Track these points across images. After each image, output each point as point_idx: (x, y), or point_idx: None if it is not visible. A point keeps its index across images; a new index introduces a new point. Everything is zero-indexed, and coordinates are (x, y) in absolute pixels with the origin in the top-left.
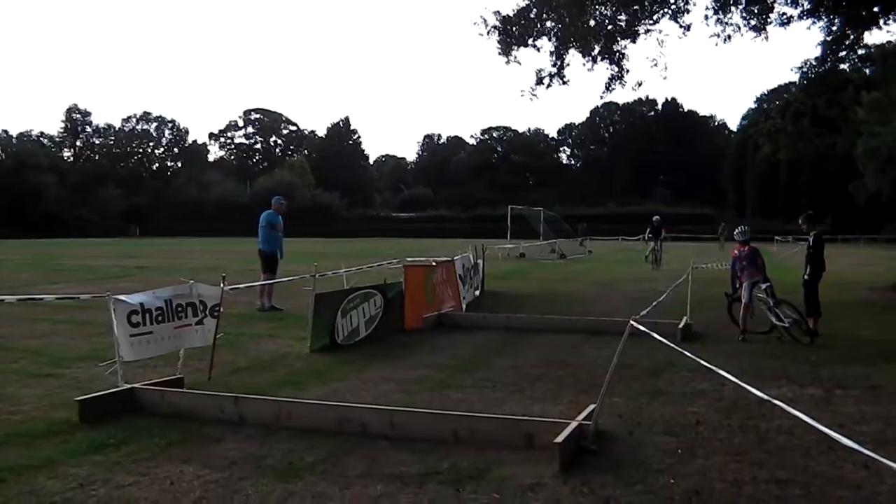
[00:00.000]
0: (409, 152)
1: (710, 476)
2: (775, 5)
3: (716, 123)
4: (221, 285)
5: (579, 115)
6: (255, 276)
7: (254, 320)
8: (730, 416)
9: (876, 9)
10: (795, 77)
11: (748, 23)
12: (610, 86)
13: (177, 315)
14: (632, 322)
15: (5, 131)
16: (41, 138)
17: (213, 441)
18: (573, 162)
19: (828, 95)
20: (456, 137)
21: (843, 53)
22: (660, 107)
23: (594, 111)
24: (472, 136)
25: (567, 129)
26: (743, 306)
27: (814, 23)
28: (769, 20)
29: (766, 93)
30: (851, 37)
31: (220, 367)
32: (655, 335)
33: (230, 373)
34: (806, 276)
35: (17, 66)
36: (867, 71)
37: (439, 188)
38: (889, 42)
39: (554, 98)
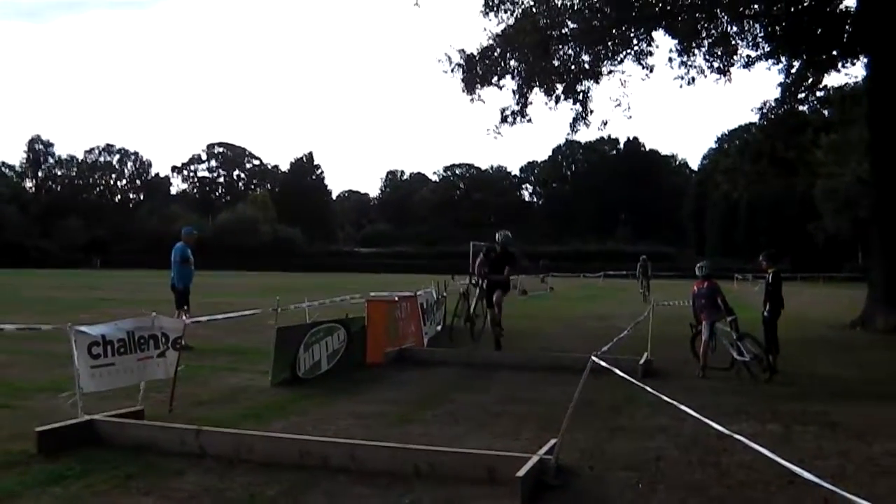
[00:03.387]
0: (372, 188)
1: None
2: (738, 48)
3: (677, 162)
4: (183, 318)
5: (542, 153)
6: (216, 308)
7: (214, 353)
8: (690, 451)
9: (834, 52)
10: (755, 118)
11: (711, 65)
12: (574, 126)
13: (139, 347)
14: (593, 358)
15: None
16: (2, 168)
17: (173, 474)
18: (535, 199)
19: (787, 136)
20: (419, 174)
21: (803, 95)
22: (622, 146)
23: (556, 149)
24: (434, 173)
25: (529, 167)
26: (703, 343)
27: (774, 64)
28: (732, 62)
29: (726, 133)
30: (811, 79)
31: (181, 399)
32: (617, 371)
33: (191, 405)
34: (766, 313)
35: None
36: (826, 113)
37: (402, 224)
38: (847, 85)
39: (517, 136)
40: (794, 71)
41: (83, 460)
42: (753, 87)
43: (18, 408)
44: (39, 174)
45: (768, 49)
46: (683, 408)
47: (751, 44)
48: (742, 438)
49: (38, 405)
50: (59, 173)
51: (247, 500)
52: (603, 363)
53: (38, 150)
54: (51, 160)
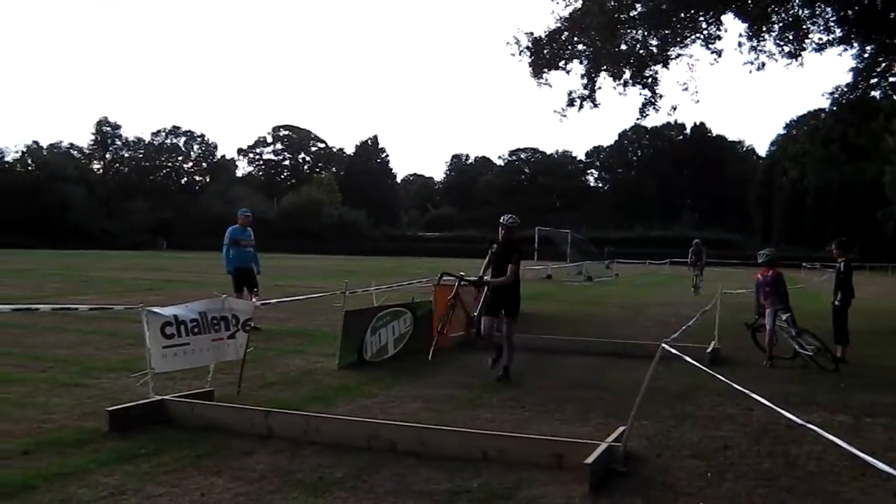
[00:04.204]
0: (437, 172)
1: (738, 500)
2: (810, 32)
3: (744, 149)
4: (253, 300)
5: (607, 138)
6: (282, 291)
7: (281, 335)
8: (759, 440)
9: None
10: (826, 103)
11: (782, 49)
12: (644, 111)
13: (213, 328)
14: (663, 345)
15: (36, 142)
16: (71, 150)
17: (242, 454)
18: (600, 185)
19: (858, 122)
20: (484, 158)
21: (875, 81)
22: (688, 131)
23: (622, 134)
24: (499, 157)
25: (595, 152)
26: (768, 332)
27: (846, 49)
28: (804, 46)
29: (795, 119)
30: (883, 64)
31: (249, 381)
32: (687, 358)
33: (259, 387)
34: (836, 303)
35: (48, 78)
36: None
37: (466, 208)
38: None
39: (582, 120)
40: (866, 56)
41: (154, 439)
42: (824, 71)
43: (91, 386)
44: (107, 156)
45: (840, 33)
46: (755, 396)
47: (823, 28)
48: (815, 428)
49: (110, 384)
50: (126, 155)
51: (316, 482)
52: (673, 350)
53: (106, 132)
54: (118, 142)
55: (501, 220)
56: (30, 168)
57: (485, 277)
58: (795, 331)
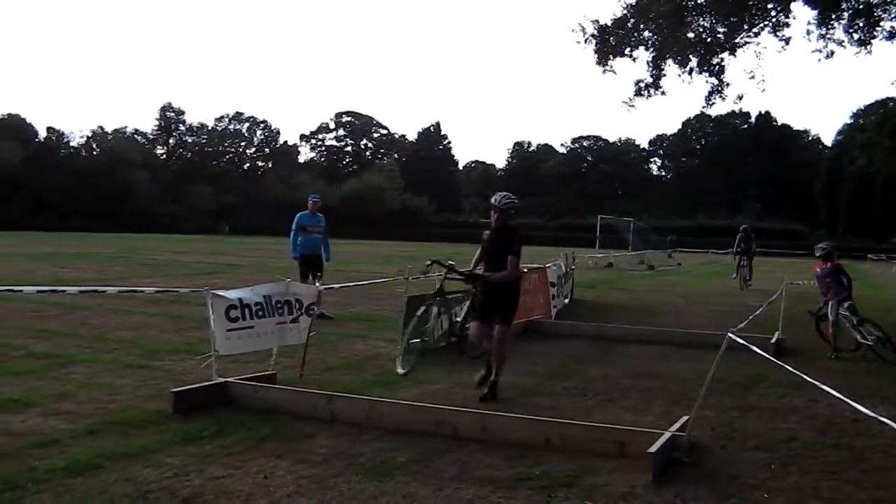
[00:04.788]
0: (499, 159)
1: (804, 493)
2: (881, 19)
3: (810, 138)
4: (316, 284)
5: (671, 127)
6: (344, 276)
7: (342, 320)
8: (824, 433)
9: None
10: (895, 91)
11: (851, 37)
12: (710, 99)
13: (277, 311)
14: (730, 335)
15: (101, 127)
16: (135, 135)
17: (305, 437)
18: (663, 173)
19: None
20: (546, 145)
21: None
22: (753, 120)
23: (686, 123)
24: (562, 145)
25: (658, 140)
26: (830, 324)
27: None
28: (874, 34)
29: (862, 107)
30: None
31: (311, 365)
32: (754, 348)
33: (321, 371)
34: None
35: (113, 64)
36: None
37: (528, 196)
38: None
39: (646, 108)
40: None
41: (217, 421)
42: (892, 60)
43: (154, 368)
44: (170, 141)
45: None
46: (823, 387)
47: (894, 15)
48: (886, 420)
49: (173, 366)
50: (190, 141)
51: (378, 465)
52: (740, 339)
53: (170, 118)
54: (182, 128)
55: (493, 201)
56: (95, 153)
57: (477, 272)
58: (857, 319)
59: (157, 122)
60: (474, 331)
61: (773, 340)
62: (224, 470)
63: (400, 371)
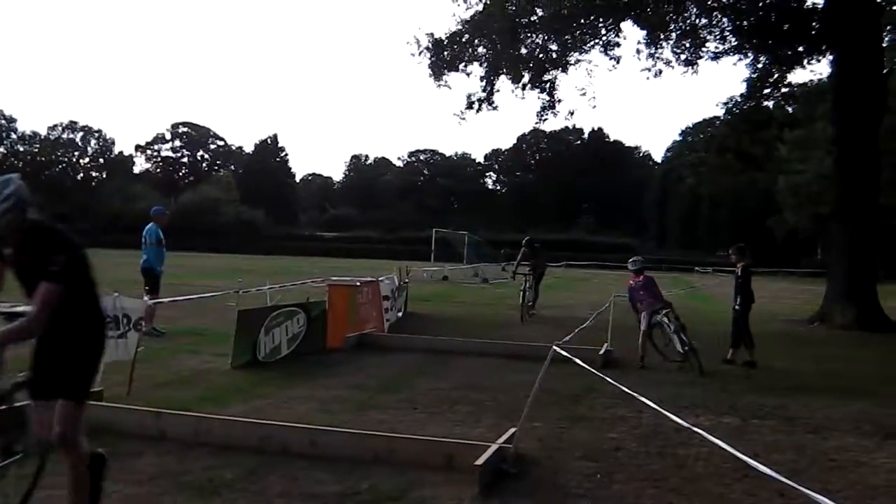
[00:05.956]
0: (336, 172)
1: (628, 501)
2: (706, 41)
3: (641, 154)
4: (145, 298)
5: (507, 141)
6: (176, 290)
7: (173, 335)
8: (648, 442)
9: (801, 48)
10: (721, 112)
11: (679, 57)
12: (542, 115)
13: None
14: (554, 347)
15: None
16: None
17: (132, 456)
18: (499, 187)
19: (752, 131)
20: (383, 159)
21: (768, 91)
22: (586, 136)
23: (521, 138)
24: (399, 158)
25: (494, 155)
26: (642, 334)
27: (741, 59)
28: (700, 55)
29: (690, 126)
30: (776, 75)
31: (140, 381)
32: (577, 360)
33: (150, 387)
34: (736, 307)
35: None
36: (790, 109)
37: (365, 209)
38: (811, 81)
39: (482, 123)
40: (760, 66)
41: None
42: (719, 81)
43: None
44: (1, 150)
45: (735, 43)
46: (644, 399)
47: (718, 37)
48: (700, 431)
49: None
50: (22, 149)
51: (205, 484)
52: (564, 352)
53: (1, 126)
54: (13, 136)
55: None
56: None
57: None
58: (675, 325)
59: None
60: (35, 417)
61: (601, 352)
62: (42, 492)
63: None
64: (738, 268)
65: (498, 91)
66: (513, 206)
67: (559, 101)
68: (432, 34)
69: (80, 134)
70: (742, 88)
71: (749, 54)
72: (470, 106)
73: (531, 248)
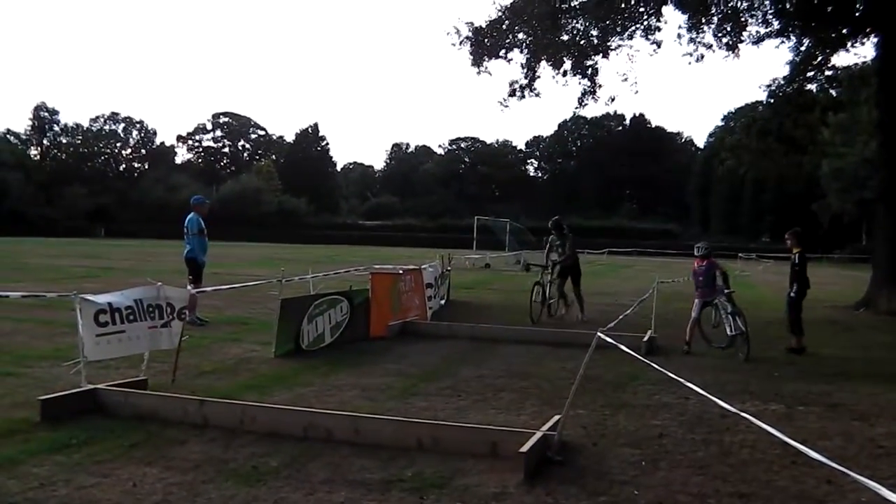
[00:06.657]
0: (377, 160)
1: (673, 489)
2: (748, 24)
3: (683, 140)
4: (188, 288)
5: (547, 128)
6: (219, 279)
7: (217, 324)
8: (693, 429)
9: (844, 31)
10: (763, 95)
11: (720, 41)
12: (583, 100)
13: (148, 315)
14: (599, 334)
15: None
16: (7, 136)
17: (176, 443)
18: (540, 174)
19: (794, 115)
20: (424, 147)
21: (811, 74)
22: (628, 122)
23: (562, 124)
24: (440, 146)
25: (535, 142)
26: (690, 321)
27: (783, 42)
28: (742, 39)
29: (732, 111)
30: (819, 58)
31: (184, 370)
32: (622, 347)
33: (194, 376)
34: (791, 294)
35: None
36: (834, 93)
37: (406, 197)
38: (855, 65)
39: (523, 110)
40: (803, 49)
41: (86, 429)
42: (761, 64)
43: (22, 375)
44: (44, 142)
45: (778, 26)
46: (690, 385)
47: (760, 20)
48: (748, 416)
49: (42, 373)
50: (64, 141)
51: (250, 471)
52: (609, 339)
53: (44, 118)
54: (56, 128)
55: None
56: None
57: None
58: (732, 309)
59: (30, 122)
60: None
61: (645, 339)
62: (92, 479)
63: None
64: (795, 254)
65: (539, 77)
66: (554, 192)
67: (600, 86)
68: (472, 23)
69: (122, 125)
70: (785, 71)
71: (791, 37)
72: (512, 93)
73: (559, 232)
